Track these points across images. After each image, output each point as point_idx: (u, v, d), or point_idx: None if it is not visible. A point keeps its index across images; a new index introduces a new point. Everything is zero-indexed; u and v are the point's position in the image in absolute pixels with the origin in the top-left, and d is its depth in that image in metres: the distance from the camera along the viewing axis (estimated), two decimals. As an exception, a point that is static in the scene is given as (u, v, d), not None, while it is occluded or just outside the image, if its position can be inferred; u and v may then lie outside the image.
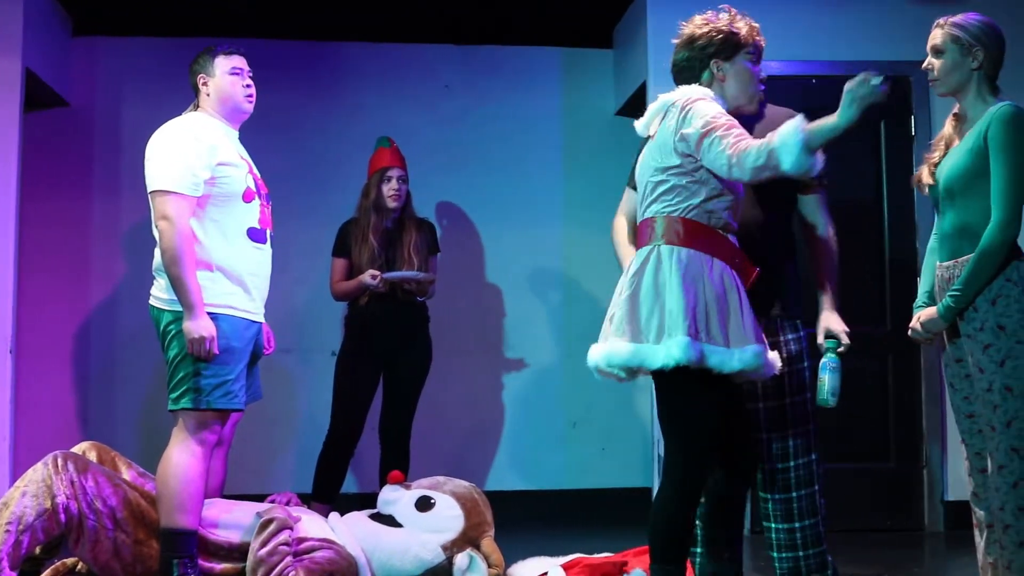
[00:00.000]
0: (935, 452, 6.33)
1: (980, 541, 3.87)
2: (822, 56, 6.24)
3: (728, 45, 3.75)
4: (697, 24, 3.81)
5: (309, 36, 7.22)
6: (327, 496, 5.85)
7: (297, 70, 7.20)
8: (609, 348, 3.61)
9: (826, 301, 4.10)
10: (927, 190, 3.93)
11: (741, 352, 3.50)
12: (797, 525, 4.01)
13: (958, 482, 6.16)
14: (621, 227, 4.30)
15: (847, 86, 3.36)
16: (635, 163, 4.28)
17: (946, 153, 3.87)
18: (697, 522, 4.07)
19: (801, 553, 3.98)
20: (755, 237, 3.84)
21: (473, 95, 7.39)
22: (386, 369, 6.01)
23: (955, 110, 3.92)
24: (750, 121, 3.88)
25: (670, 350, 3.46)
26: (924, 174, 3.93)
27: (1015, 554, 3.63)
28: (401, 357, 5.98)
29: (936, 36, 3.86)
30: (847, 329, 4.03)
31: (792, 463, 4.05)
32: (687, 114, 3.61)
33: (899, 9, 6.35)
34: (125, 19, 6.96)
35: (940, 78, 3.85)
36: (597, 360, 3.66)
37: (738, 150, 3.46)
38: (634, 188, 4.25)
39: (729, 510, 3.89)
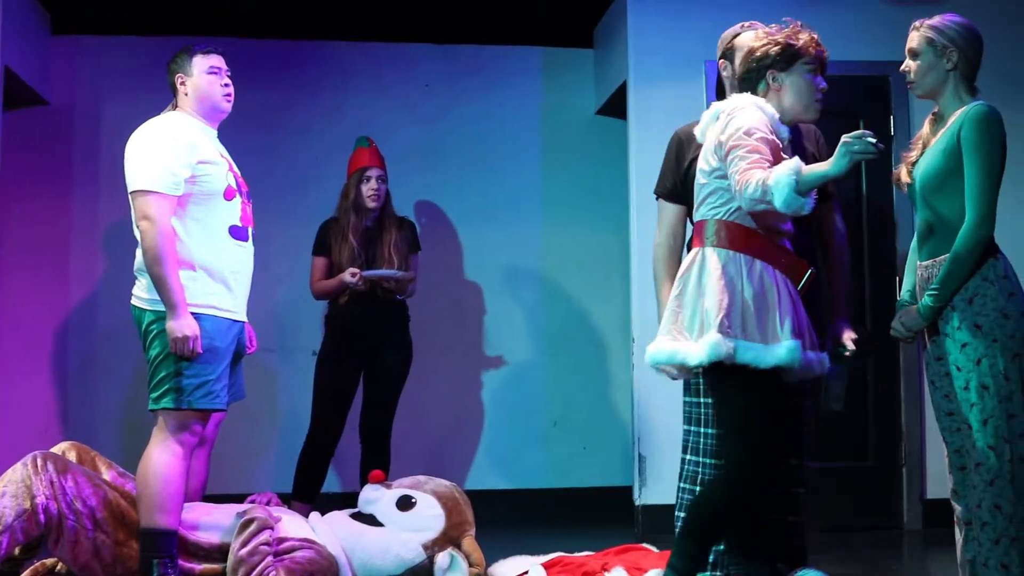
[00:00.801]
0: (914, 450, 6.35)
1: (960, 538, 3.89)
2: (801, 56, 6.24)
3: (785, 56, 3.81)
4: (759, 35, 3.91)
5: (289, 35, 7.21)
6: (308, 496, 5.84)
7: (277, 69, 7.18)
8: (654, 347, 3.76)
9: (838, 308, 4.21)
10: (906, 188, 3.97)
11: (776, 348, 3.59)
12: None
13: (937, 480, 6.19)
14: (664, 274, 4.30)
15: (844, 139, 3.44)
16: (669, 173, 4.35)
17: (923, 152, 3.90)
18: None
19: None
20: None
21: (453, 94, 7.39)
22: (366, 368, 6.01)
23: (935, 109, 3.95)
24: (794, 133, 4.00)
25: (701, 347, 3.58)
26: (903, 173, 3.97)
27: (992, 551, 3.65)
28: (381, 357, 5.97)
29: (912, 39, 3.90)
30: (855, 336, 4.15)
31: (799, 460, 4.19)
32: (728, 121, 3.71)
33: (876, 10, 6.38)
34: (105, 18, 6.94)
35: (916, 80, 3.90)
36: (646, 358, 3.82)
37: (744, 178, 3.56)
38: (669, 200, 4.32)
39: (760, 507, 3.91)
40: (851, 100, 6.28)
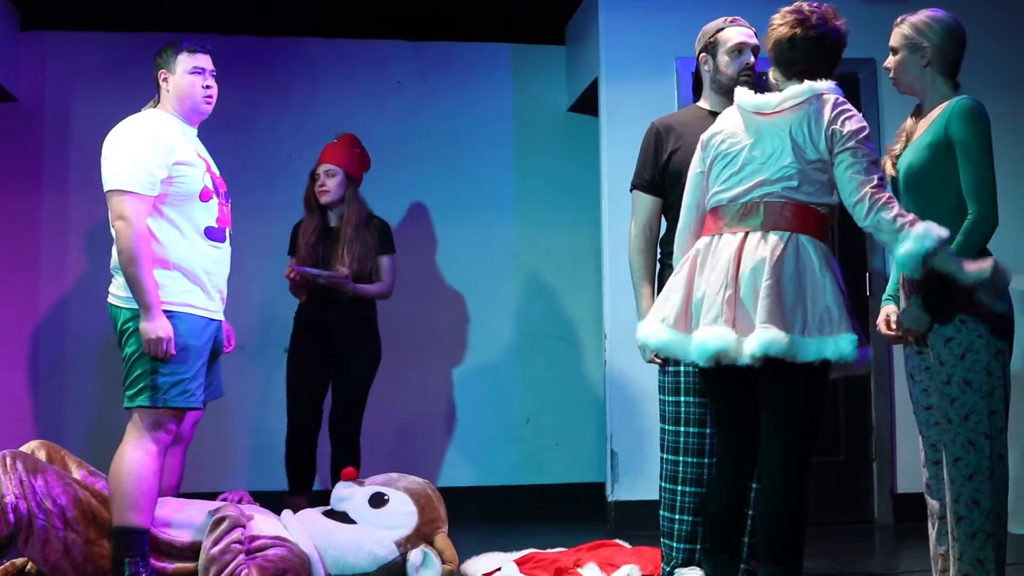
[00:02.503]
0: (884, 445, 6.39)
1: (932, 532, 3.91)
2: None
3: (842, 48, 3.74)
4: (831, 15, 3.71)
5: (260, 31, 7.18)
6: (300, 489, 5.87)
7: (248, 65, 7.15)
8: (767, 337, 3.42)
9: None
10: (890, 181, 3.96)
11: (868, 349, 3.57)
12: None
13: (907, 475, 6.22)
14: (641, 265, 4.33)
15: (987, 266, 3.44)
16: (648, 165, 4.29)
17: (906, 146, 3.90)
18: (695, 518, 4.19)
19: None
20: None
21: (425, 91, 7.38)
22: (333, 366, 5.99)
23: (917, 103, 3.95)
24: None
25: (836, 345, 3.45)
26: (887, 166, 3.93)
27: (967, 545, 3.66)
28: (346, 355, 5.95)
29: (893, 36, 3.89)
30: None
31: None
32: (841, 113, 3.58)
33: (845, 6, 6.33)
34: (74, 14, 6.88)
35: (896, 76, 3.90)
36: (753, 347, 3.47)
37: (882, 200, 3.45)
38: (652, 193, 4.28)
39: (741, 507, 3.88)
40: (821, 97, 6.29)
